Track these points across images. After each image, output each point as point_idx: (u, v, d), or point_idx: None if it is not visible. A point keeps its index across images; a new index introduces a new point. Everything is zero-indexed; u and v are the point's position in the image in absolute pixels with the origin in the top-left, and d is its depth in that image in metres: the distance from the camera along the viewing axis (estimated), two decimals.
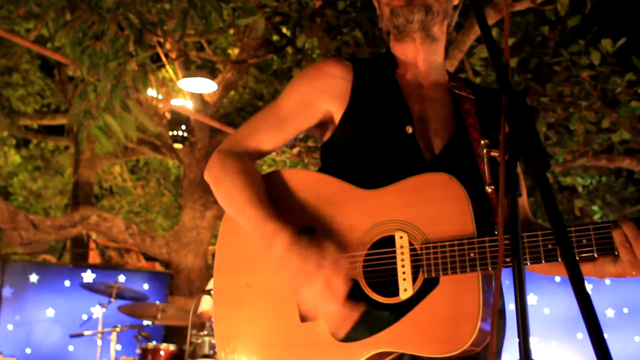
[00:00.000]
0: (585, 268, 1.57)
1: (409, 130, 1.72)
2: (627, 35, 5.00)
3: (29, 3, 4.66)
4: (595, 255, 1.45)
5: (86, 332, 6.05)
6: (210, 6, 4.29)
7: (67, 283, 7.99)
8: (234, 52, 10.34)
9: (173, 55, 7.85)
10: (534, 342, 7.48)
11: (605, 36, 4.79)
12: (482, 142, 1.46)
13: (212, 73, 9.01)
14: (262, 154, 1.85)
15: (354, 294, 1.56)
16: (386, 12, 1.81)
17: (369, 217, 1.63)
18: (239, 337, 1.72)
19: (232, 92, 10.15)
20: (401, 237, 1.57)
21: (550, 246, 1.47)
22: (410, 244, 1.56)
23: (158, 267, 11.41)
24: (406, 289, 1.54)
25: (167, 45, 6.60)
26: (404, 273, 1.55)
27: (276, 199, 1.73)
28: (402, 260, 1.56)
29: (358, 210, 1.65)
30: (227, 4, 4.45)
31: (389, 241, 1.59)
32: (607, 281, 7.66)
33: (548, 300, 7.62)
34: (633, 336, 7.58)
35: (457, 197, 1.56)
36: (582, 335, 7.12)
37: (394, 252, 1.57)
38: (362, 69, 1.82)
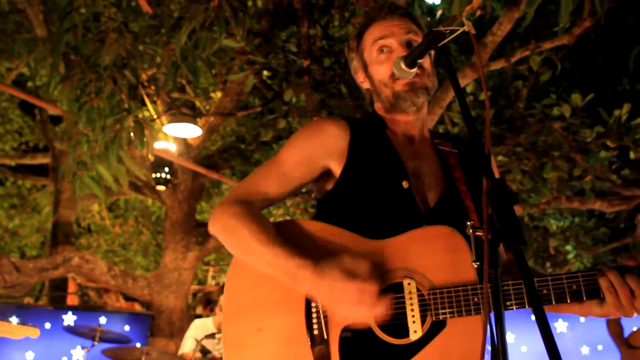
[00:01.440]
0: (573, 308, 1.77)
1: (405, 185, 1.86)
2: (596, 89, 5.31)
3: (22, 55, 4.81)
4: (584, 299, 1.65)
5: None
6: (200, 61, 4.46)
7: (47, 325, 7.94)
8: (217, 95, 10.52)
9: (157, 100, 8.02)
10: None
11: (574, 90, 5.08)
12: (468, 223, 1.64)
13: (193, 112, 9.14)
14: (266, 203, 1.92)
15: (366, 337, 1.69)
16: (386, 92, 1.96)
17: (378, 266, 1.73)
18: None
19: (214, 135, 10.29)
20: (409, 284, 1.72)
21: (575, 287, 1.65)
22: (418, 289, 1.71)
23: (137, 307, 11.34)
24: (416, 330, 1.68)
25: (153, 92, 6.75)
26: (413, 316, 1.69)
27: None
28: (411, 304, 1.70)
29: (366, 259, 1.73)
30: (218, 58, 4.62)
31: (397, 288, 1.73)
32: (582, 319, 7.88)
33: (525, 338, 7.78)
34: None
35: (460, 248, 1.73)
36: None
37: (403, 297, 1.71)
38: (357, 128, 1.94)
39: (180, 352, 6.73)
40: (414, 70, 1.89)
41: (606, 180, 5.74)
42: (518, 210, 5.88)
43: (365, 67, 2.02)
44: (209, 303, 11.42)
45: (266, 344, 1.77)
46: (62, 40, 3.95)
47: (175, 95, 10.54)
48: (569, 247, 9.28)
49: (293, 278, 1.69)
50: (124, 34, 3.84)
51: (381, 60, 1.96)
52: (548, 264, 11.26)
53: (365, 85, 2.05)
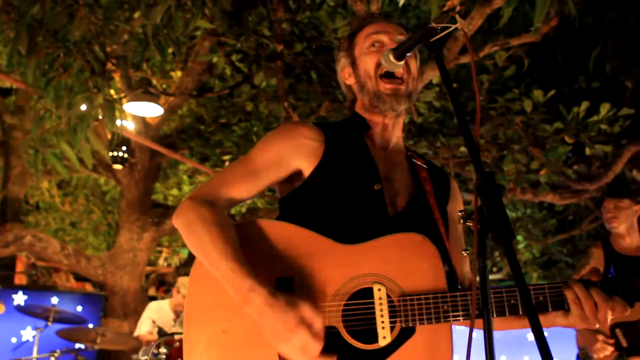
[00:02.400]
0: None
1: (377, 187, 1.90)
2: (553, 86, 5.49)
3: None
4: (550, 309, 1.74)
5: (24, 359, 5.91)
6: (168, 39, 4.39)
7: None
8: (177, 74, 10.36)
9: (116, 75, 7.83)
10: None
11: (537, 85, 5.24)
12: (459, 213, 1.69)
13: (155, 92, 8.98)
14: (233, 204, 1.92)
15: (334, 341, 1.70)
16: (369, 85, 1.99)
17: (347, 270, 1.76)
18: None
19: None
20: (379, 290, 1.73)
21: (513, 301, 1.74)
22: (388, 296, 1.73)
23: (89, 287, 11.14)
24: (385, 336, 1.70)
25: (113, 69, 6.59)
26: (382, 322, 1.71)
27: (252, 248, 1.79)
28: (381, 310, 1.72)
29: (336, 264, 1.77)
30: (187, 38, 4.56)
31: (367, 293, 1.74)
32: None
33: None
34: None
35: (431, 255, 1.77)
36: None
37: (372, 302, 1.73)
38: (332, 132, 1.98)
39: (136, 333, 6.68)
40: (401, 63, 1.92)
41: (561, 175, 5.95)
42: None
43: (353, 62, 2.05)
44: (162, 284, 11.32)
45: (231, 345, 1.74)
46: (29, 12, 3.82)
47: (132, 72, 10.31)
48: (519, 238, 9.56)
49: (243, 298, 1.66)
50: (94, 9, 3.75)
51: (370, 52, 2.00)
52: (497, 253, 11.59)
53: (350, 80, 2.08)
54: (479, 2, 3.82)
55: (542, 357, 1.35)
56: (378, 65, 1.97)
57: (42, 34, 4.01)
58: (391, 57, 1.91)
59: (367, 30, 2.04)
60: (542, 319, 1.78)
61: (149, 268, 14.34)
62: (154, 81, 10.79)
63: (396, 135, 2.06)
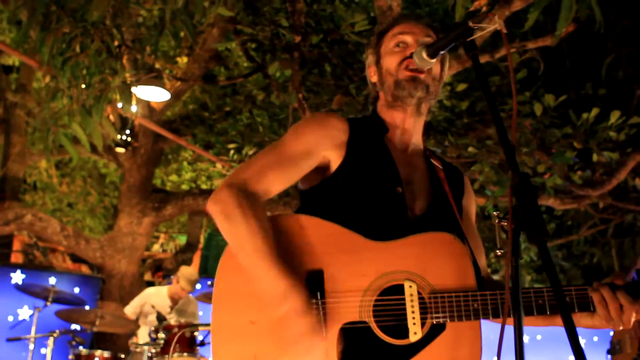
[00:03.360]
0: (557, 320, 1.89)
1: (399, 190, 1.92)
2: (561, 91, 5.51)
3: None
4: (576, 310, 1.79)
5: (24, 337, 5.90)
6: (181, 24, 4.39)
7: None
8: (183, 60, 10.33)
9: (124, 60, 7.81)
10: None
11: (548, 90, 5.26)
12: (494, 213, 1.72)
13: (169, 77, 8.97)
14: (269, 195, 1.91)
15: (365, 335, 1.74)
16: (389, 81, 2.01)
17: (379, 266, 1.79)
18: None
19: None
20: (410, 286, 1.77)
21: (540, 302, 1.78)
22: (419, 292, 1.77)
23: (85, 269, 11.13)
24: (416, 332, 1.73)
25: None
26: (413, 318, 1.74)
27: (285, 240, 1.81)
28: (412, 306, 1.75)
29: (368, 259, 1.79)
30: (201, 24, 4.55)
31: (398, 289, 1.78)
32: None
33: None
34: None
35: (461, 255, 1.81)
36: None
37: (403, 299, 1.76)
38: (356, 127, 2.00)
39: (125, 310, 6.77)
40: (434, 61, 1.94)
41: (567, 179, 5.98)
42: (481, 201, 6.08)
43: (377, 60, 2.08)
44: (159, 269, 11.33)
45: (259, 337, 1.75)
46: None
47: (137, 56, 10.28)
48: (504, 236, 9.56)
49: (274, 298, 1.70)
50: None
51: (394, 52, 2.02)
52: (492, 255, 11.64)
53: (374, 78, 2.10)
54: (499, 3, 3.83)
55: (575, 355, 1.38)
56: (400, 63, 1.99)
57: (58, 14, 3.99)
58: (424, 54, 1.92)
59: (395, 30, 2.06)
60: None
61: (145, 253, 14.36)
62: (158, 65, 10.76)
63: (416, 137, 2.08)
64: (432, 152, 2.17)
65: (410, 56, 1.96)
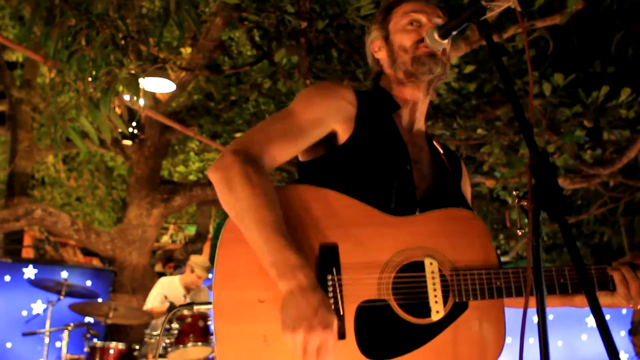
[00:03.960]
0: (579, 299, 1.87)
1: (408, 168, 1.88)
2: (569, 69, 5.46)
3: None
4: (596, 289, 1.79)
5: (39, 331, 5.94)
6: (186, 13, 4.36)
7: (7, 278, 7.76)
8: (186, 50, 10.30)
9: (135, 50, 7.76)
10: None
11: (556, 69, 5.21)
12: (514, 192, 1.69)
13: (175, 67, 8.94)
14: (276, 164, 1.82)
15: (384, 313, 1.68)
16: (404, 57, 1.95)
17: (397, 241, 1.72)
18: (250, 357, 1.61)
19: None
20: (431, 263, 1.71)
21: (562, 280, 1.77)
22: (439, 270, 1.72)
23: (96, 262, 11.18)
24: (438, 310, 1.69)
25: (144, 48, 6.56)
26: (435, 296, 1.69)
27: (294, 213, 1.71)
28: (434, 284, 1.70)
29: (386, 235, 1.72)
30: (205, 14, 4.52)
31: (417, 266, 1.71)
32: None
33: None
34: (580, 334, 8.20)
35: (481, 232, 1.78)
36: None
37: (424, 276, 1.71)
38: (364, 101, 1.92)
39: (146, 307, 6.72)
40: (446, 42, 1.92)
41: (577, 159, 5.94)
42: (491, 183, 6.04)
43: (386, 36, 2.02)
44: (169, 261, 11.37)
45: (268, 317, 1.61)
46: None
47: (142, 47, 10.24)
48: (525, 221, 9.53)
49: (282, 273, 1.57)
50: None
51: (408, 30, 1.97)
52: (501, 236, 11.61)
53: (380, 54, 2.04)
54: None
55: (601, 335, 1.37)
56: (416, 42, 1.94)
57: (61, 7, 3.97)
58: (436, 36, 1.90)
59: (405, 7, 2.01)
60: (584, 299, 1.82)
61: (155, 245, 14.43)
62: (162, 56, 10.72)
63: (420, 117, 2.05)
64: (432, 135, 2.16)
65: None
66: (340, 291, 1.66)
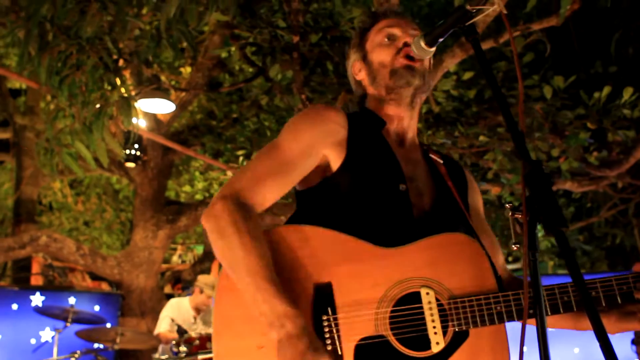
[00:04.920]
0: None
1: (403, 188, 1.82)
2: (570, 71, 5.38)
3: None
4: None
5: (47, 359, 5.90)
6: (180, 34, 4.33)
7: (14, 306, 7.73)
8: (186, 70, 10.31)
9: (126, 73, 7.78)
10: None
11: (554, 72, 5.14)
12: (507, 205, 1.62)
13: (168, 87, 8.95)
14: (267, 204, 1.80)
15: (383, 350, 1.63)
16: (383, 72, 1.92)
17: (392, 274, 1.68)
18: None
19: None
20: (427, 294, 1.66)
21: (566, 298, 1.67)
22: (437, 299, 1.66)
23: (105, 286, 11.15)
24: (438, 342, 1.63)
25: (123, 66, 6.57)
26: (434, 327, 1.64)
27: (285, 255, 1.70)
28: (432, 315, 1.65)
29: (379, 267, 1.68)
30: (200, 33, 4.49)
31: (414, 297, 1.67)
32: None
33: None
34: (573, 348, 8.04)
35: (477, 255, 1.71)
36: None
37: (421, 307, 1.65)
38: (354, 121, 1.88)
39: (156, 331, 6.65)
40: (432, 50, 1.86)
41: (583, 161, 5.85)
42: (497, 190, 5.96)
43: (364, 56, 1.99)
44: (178, 282, 11.31)
45: None
46: (40, 9, 3.76)
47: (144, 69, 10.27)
48: (537, 226, 9.42)
49: (272, 322, 1.57)
50: (106, 4, 3.68)
51: (386, 44, 1.94)
52: (511, 242, 11.46)
53: (360, 75, 2.02)
54: None
55: (603, 352, 1.29)
56: (395, 55, 1.91)
57: (54, 32, 3.95)
58: (422, 44, 1.84)
59: (379, 25, 1.99)
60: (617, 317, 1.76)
61: (164, 266, 14.40)
62: (163, 77, 10.74)
63: (412, 131, 2.00)
64: (429, 147, 2.09)
65: (405, 45, 1.90)
66: (337, 330, 1.64)
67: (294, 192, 2.01)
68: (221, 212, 1.69)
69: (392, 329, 1.64)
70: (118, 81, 3.73)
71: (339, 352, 1.61)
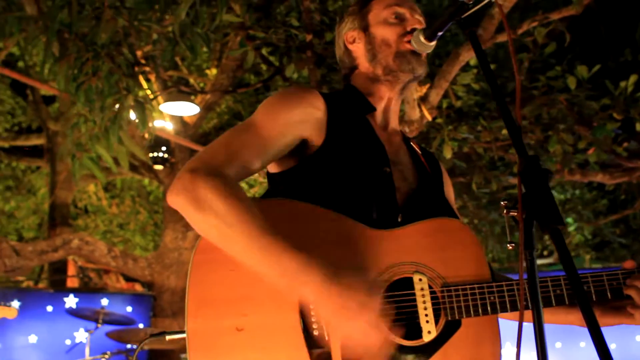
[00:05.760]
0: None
1: (387, 170, 1.75)
2: (597, 60, 5.23)
3: (14, 34, 4.68)
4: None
5: None
6: (197, 37, 4.35)
7: (49, 308, 7.91)
8: (212, 72, 10.38)
9: (152, 77, 7.89)
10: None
11: (580, 61, 5.00)
12: (502, 203, 1.56)
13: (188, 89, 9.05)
14: (243, 177, 1.65)
15: None
16: (386, 52, 1.83)
17: (384, 257, 1.59)
18: None
19: (209, 113, 10.18)
20: (420, 280, 1.59)
21: (558, 292, 1.62)
22: (429, 286, 1.59)
23: (138, 287, 11.33)
24: (430, 331, 1.56)
25: (149, 70, 6.66)
26: (426, 315, 1.57)
27: None
28: (424, 302, 1.57)
29: (370, 250, 1.59)
30: (215, 34, 4.50)
31: (406, 283, 1.59)
32: None
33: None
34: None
35: (472, 243, 1.65)
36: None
37: (413, 294, 1.58)
38: (333, 103, 1.79)
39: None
40: (433, 44, 1.81)
41: (611, 153, 5.69)
42: None
43: (365, 27, 1.89)
44: None
45: (248, 347, 1.48)
46: (56, 17, 3.83)
47: (170, 72, 10.41)
48: (569, 220, 9.27)
49: (291, 280, 1.44)
50: (120, 10, 3.72)
51: (392, 23, 1.85)
52: (547, 237, 11.27)
53: (356, 46, 1.90)
54: None
55: (596, 347, 1.24)
56: (401, 36, 1.83)
57: (72, 39, 4.01)
58: (421, 38, 1.80)
59: (386, 0, 1.89)
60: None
61: None
62: (192, 80, 10.85)
63: (396, 115, 1.94)
64: (407, 136, 2.03)
65: (412, 31, 1.82)
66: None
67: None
68: (192, 182, 1.51)
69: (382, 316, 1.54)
70: (133, 85, 3.76)
71: (327, 338, 1.51)
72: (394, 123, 1.94)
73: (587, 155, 5.62)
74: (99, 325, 6.26)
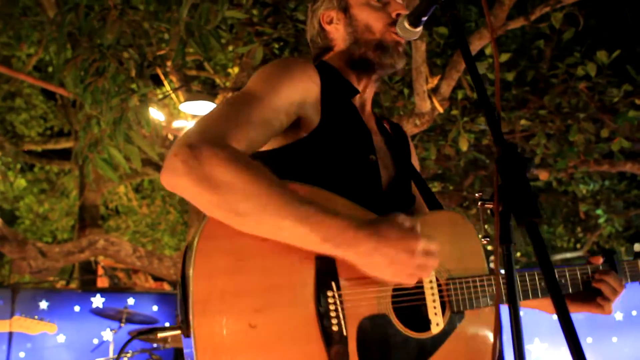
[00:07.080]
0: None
1: (372, 158, 1.70)
2: (622, 46, 5.05)
3: (30, 36, 4.75)
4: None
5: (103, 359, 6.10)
6: (208, 35, 4.34)
7: (76, 308, 8.04)
8: (234, 70, 10.41)
9: (174, 78, 7.94)
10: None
11: (599, 47, 4.84)
12: (477, 195, 1.52)
13: (212, 90, 9.08)
14: (250, 151, 1.49)
15: (385, 329, 1.50)
16: (368, 38, 1.75)
17: None
18: None
19: None
20: None
21: (542, 284, 1.71)
22: (436, 279, 1.60)
23: (166, 286, 11.44)
24: (438, 323, 1.56)
25: (169, 70, 6.70)
26: (434, 308, 1.57)
27: None
28: (432, 294, 1.58)
29: None
30: (225, 30, 4.49)
31: None
32: None
33: None
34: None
35: (471, 236, 1.67)
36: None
37: (422, 287, 1.58)
38: (325, 80, 1.69)
39: None
40: (419, 30, 1.75)
41: (636, 141, 5.50)
42: (545, 175, 5.69)
43: (345, 8, 1.79)
44: None
45: (263, 344, 1.35)
46: (66, 20, 3.86)
47: (194, 72, 10.48)
48: (599, 212, 9.04)
49: (340, 242, 1.35)
50: (126, 11, 3.73)
51: (375, 7, 1.77)
52: (579, 229, 11.01)
53: (333, 27, 1.80)
54: None
55: (567, 340, 1.17)
56: (388, 25, 1.75)
57: (79, 41, 4.05)
58: (406, 25, 1.73)
59: None
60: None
61: None
62: (217, 80, 10.89)
63: (370, 100, 1.88)
64: (377, 114, 1.98)
65: (398, 16, 1.74)
66: (342, 309, 1.44)
67: None
68: (198, 158, 1.31)
69: (394, 308, 1.52)
70: (135, 86, 3.77)
71: (344, 334, 1.42)
72: (368, 106, 1.89)
73: (610, 144, 5.44)
74: (122, 325, 6.34)
